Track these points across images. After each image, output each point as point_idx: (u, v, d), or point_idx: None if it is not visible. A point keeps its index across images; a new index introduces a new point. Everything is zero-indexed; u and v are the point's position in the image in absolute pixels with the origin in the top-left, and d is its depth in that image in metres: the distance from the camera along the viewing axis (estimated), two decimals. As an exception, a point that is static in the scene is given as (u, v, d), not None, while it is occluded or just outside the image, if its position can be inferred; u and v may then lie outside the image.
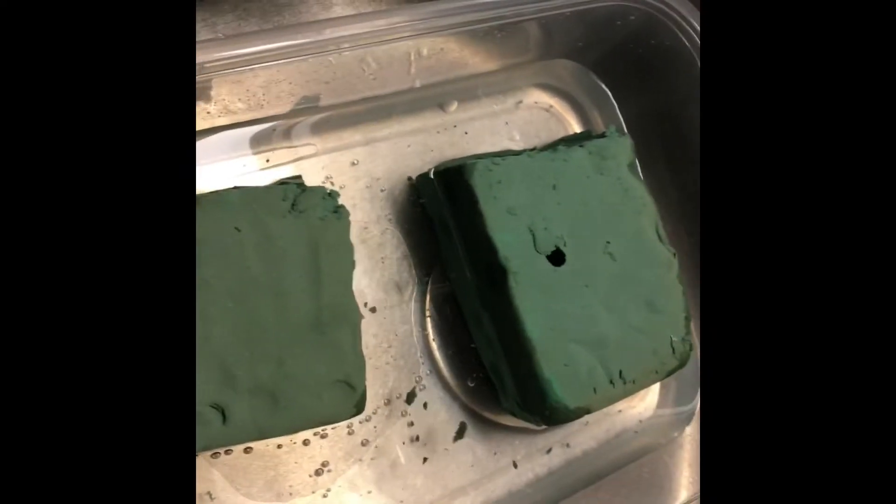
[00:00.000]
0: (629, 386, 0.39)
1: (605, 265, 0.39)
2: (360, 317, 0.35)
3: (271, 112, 0.40)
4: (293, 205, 0.34)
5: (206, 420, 0.31)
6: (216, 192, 0.33)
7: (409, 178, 0.42)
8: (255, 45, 0.34)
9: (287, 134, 0.40)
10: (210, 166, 0.39)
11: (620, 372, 0.39)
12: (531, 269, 0.37)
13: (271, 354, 0.32)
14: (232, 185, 0.36)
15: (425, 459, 0.39)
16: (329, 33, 0.36)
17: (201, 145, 0.39)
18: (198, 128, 0.38)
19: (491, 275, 0.38)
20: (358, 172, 0.41)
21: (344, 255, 0.34)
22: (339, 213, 0.35)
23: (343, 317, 0.34)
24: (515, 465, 0.41)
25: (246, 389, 0.32)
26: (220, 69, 0.34)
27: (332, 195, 0.35)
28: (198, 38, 0.39)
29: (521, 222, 0.38)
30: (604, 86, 0.46)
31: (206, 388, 0.31)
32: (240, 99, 0.38)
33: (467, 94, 0.45)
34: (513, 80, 0.45)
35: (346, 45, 0.37)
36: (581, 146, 0.40)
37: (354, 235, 0.37)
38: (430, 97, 0.44)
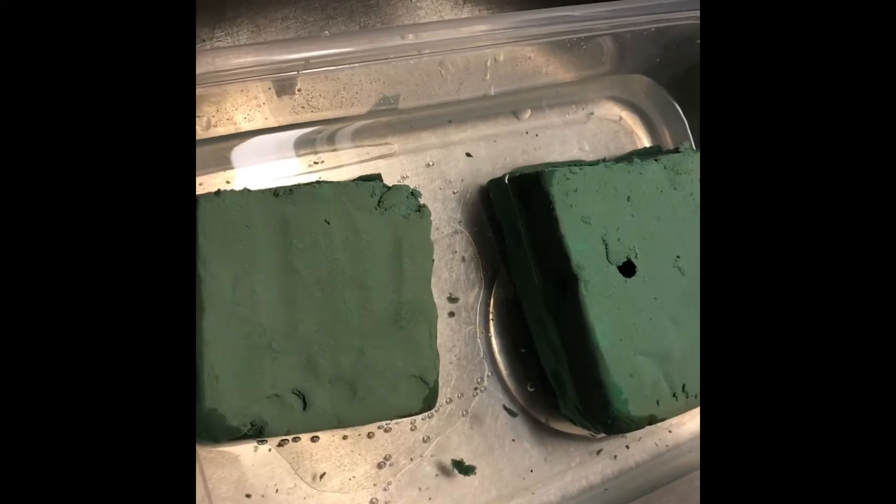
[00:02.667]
0: (691, 401, 0.39)
1: (675, 279, 0.39)
2: (437, 315, 0.35)
3: (352, 111, 0.40)
4: (379, 201, 0.35)
5: (287, 405, 0.32)
6: (310, 184, 0.34)
7: (482, 183, 0.43)
8: (341, 47, 0.35)
9: (366, 132, 0.41)
10: (289, 160, 0.40)
11: (684, 386, 0.39)
12: (602, 279, 0.38)
13: (353, 345, 0.33)
14: (315, 179, 0.37)
15: (482, 461, 0.40)
16: (412, 38, 0.36)
17: (283, 138, 0.40)
18: (281, 122, 0.39)
19: (561, 281, 0.38)
20: (432, 174, 0.42)
21: (425, 252, 0.35)
22: (422, 212, 0.35)
23: (421, 313, 0.35)
24: (569, 473, 0.42)
25: (327, 377, 0.32)
26: (306, 66, 0.35)
27: (415, 194, 0.36)
28: (286, 35, 0.40)
29: (595, 232, 0.38)
30: (676, 103, 0.47)
31: (290, 374, 0.32)
32: (322, 95, 0.39)
33: (540, 102, 0.45)
34: (586, 92, 0.46)
35: (427, 51, 0.38)
36: (656, 160, 0.40)
37: (427, 235, 0.38)
38: (504, 104, 0.45)
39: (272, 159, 0.39)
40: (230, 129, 0.38)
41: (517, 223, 0.40)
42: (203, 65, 0.32)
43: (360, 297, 0.33)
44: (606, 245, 0.38)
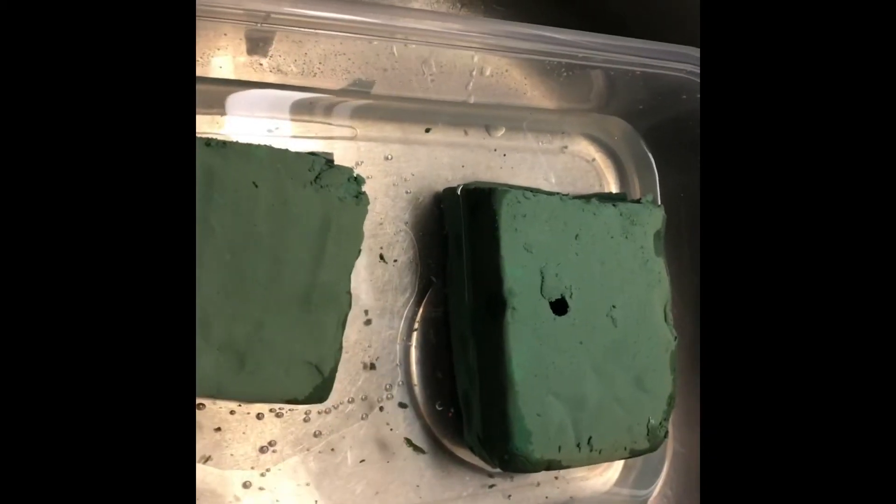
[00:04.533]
0: (594, 455, 0.38)
1: (605, 328, 0.38)
2: (350, 307, 0.34)
3: (321, 84, 0.39)
4: (317, 177, 0.33)
5: None
6: (247, 144, 0.32)
7: (437, 190, 0.42)
8: (325, 11, 0.34)
9: (330, 110, 0.40)
10: (244, 118, 0.38)
11: (590, 438, 0.38)
12: (531, 310, 0.37)
13: (252, 316, 0.31)
14: (262, 143, 0.36)
15: (371, 468, 0.38)
16: (401, 21, 0.35)
17: (243, 96, 0.38)
18: (245, 78, 0.38)
19: (490, 304, 0.37)
20: (389, 168, 0.41)
21: (353, 240, 0.34)
22: (360, 199, 0.34)
23: (334, 301, 0.33)
24: (458, 501, 0.40)
25: (217, 343, 0.31)
26: (284, 24, 0.33)
27: (358, 180, 0.34)
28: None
29: (535, 261, 0.37)
30: (651, 154, 0.46)
31: None
32: (294, 62, 0.38)
33: (516, 123, 0.44)
34: (564, 124, 0.45)
35: (415, 38, 0.36)
36: (614, 205, 0.39)
37: (367, 228, 0.36)
38: (480, 116, 0.43)
39: (225, 113, 0.37)
40: (199, 72, 0.36)
41: (462, 236, 0.39)
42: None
43: (273, 270, 0.32)
44: (543, 277, 0.37)
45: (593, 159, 0.46)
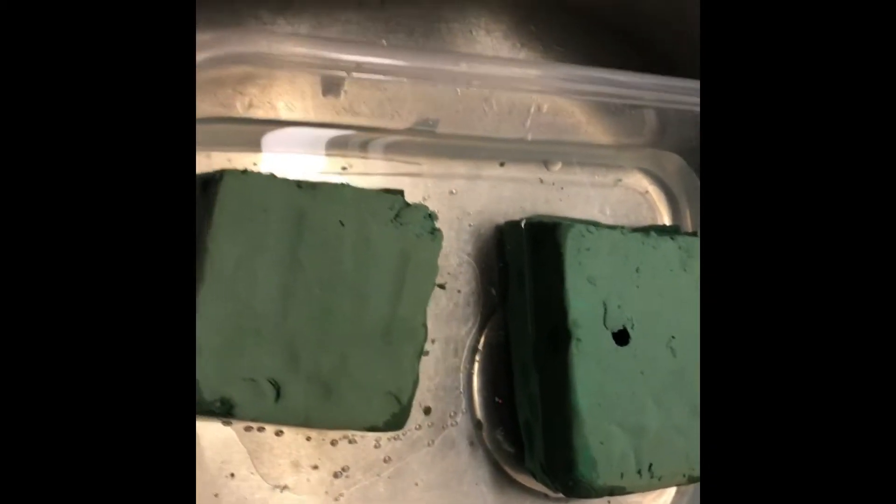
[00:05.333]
0: (653, 481, 0.39)
1: (665, 358, 0.39)
2: (426, 339, 0.35)
3: (390, 124, 0.41)
4: (396, 215, 0.35)
5: (261, 392, 0.32)
6: (333, 185, 0.34)
7: (498, 222, 0.43)
8: (396, 59, 0.35)
9: (399, 147, 0.42)
10: (319, 158, 0.40)
11: (650, 465, 0.39)
12: (595, 342, 0.38)
13: (337, 349, 0.33)
14: (339, 182, 0.37)
15: (437, 493, 0.40)
16: (464, 67, 0.37)
17: (318, 134, 0.40)
18: (319, 118, 0.40)
19: (554, 335, 0.38)
20: (453, 202, 0.43)
21: (429, 275, 0.35)
22: (435, 235, 0.36)
23: (411, 333, 0.35)
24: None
25: (305, 374, 0.32)
26: (357, 70, 0.35)
27: (432, 216, 0.36)
28: (345, 37, 0.41)
29: (598, 294, 0.38)
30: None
31: (271, 362, 0.32)
32: (365, 102, 0.40)
33: (572, 158, 0.46)
34: (618, 158, 0.47)
35: (477, 83, 0.38)
36: (672, 238, 0.41)
37: (433, 260, 0.38)
38: (537, 152, 0.45)
39: (303, 152, 0.39)
40: (269, 114, 0.38)
41: (524, 268, 0.41)
42: (258, 46, 0.32)
43: (356, 304, 0.34)
44: (606, 309, 0.38)
45: (646, 192, 0.47)
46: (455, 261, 0.42)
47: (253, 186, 0.33)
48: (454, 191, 0.43)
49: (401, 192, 0.37)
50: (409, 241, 0.35)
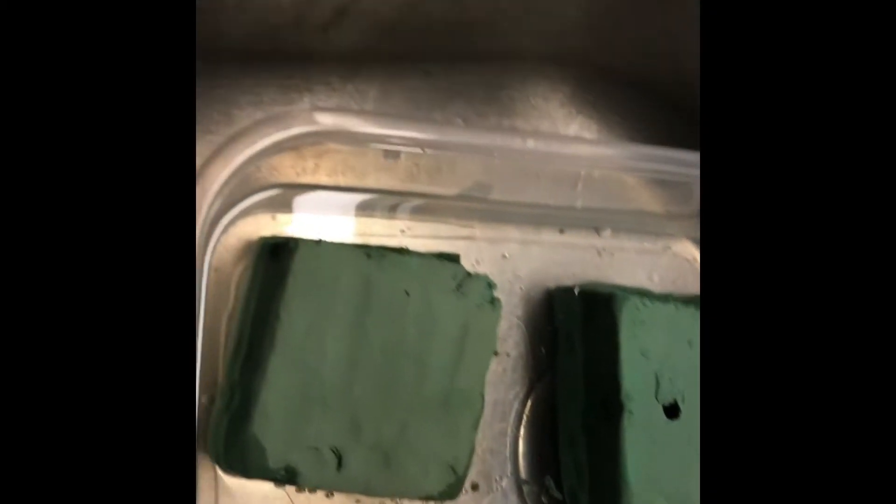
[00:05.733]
0: (699, 554, 0.39)
1: (714, 433, 0.40)
2: (483, 409, 0.36)
3: (445, 190, 0.42)
4: (459, 285, 0.36)
5: (323, 461, 0.32)
6: (399, 253, 0.35)
7: (549, 286, 0.44)
8: (454, 136, 0.36)
9: (453, 211, 0.42)
10: (376, 220, 0.41)
11: (696, 537, 0.39)
12: (646, 414, 0.38)
13: (399, 418, 0.34)
14: (397, 245, 0.38)
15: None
16: (531, 144, 0.37)
17: (375, 198, 0.41)
18: (378, 184, 0.41)
19: (606, 406, 0.39)
20: (505, 266, 0.43)
21: (488, 345, 0.36)
22: (494, 305, 0.36)
23: (469, 403, 0.35)
24: None
25: (367, 443, 0.33)
26: (418, 145, 0.35)
27: (492, 286, 0.37)
28: (410, 104, 0.42)
29: (651, 367, 0.39)
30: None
31: (334, 431, 0.33)
32: (424, 170, 0.41)
33: (622, 224, 0.46)
34: (668, 226, 0.47)
35: (531, 158, 0.38)
36: (724, 313, 0.41)
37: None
38: (588, 218, 0.45)
39: (363, 216, 0.40)
40: (331, 180, 0.39)
41: (574, 335, 0.41)
42: (322, 125, 0.32)
43: (418, 373, 0.34)
44: (658, 382, 0.39)
45: (694, 259, 0.48)
46: (505, 324, 0.42)
47: (325, 256, 0.33)
48: (506, 255, 0.43)
49: (457, 257, 0.38)
50: (470, 311, 0.36)
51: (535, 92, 0.44)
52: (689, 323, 0.40)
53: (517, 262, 0.44)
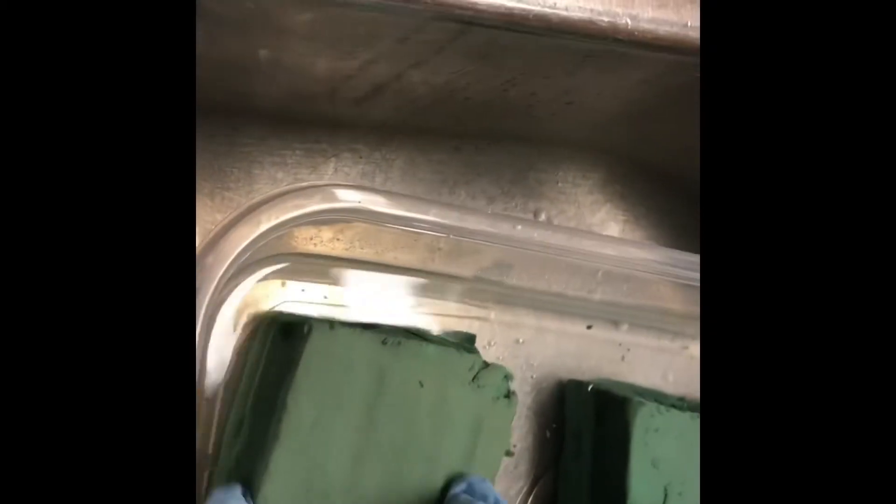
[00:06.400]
0: None
1: (722, 553, 0.38)
2: None
3: (463, 271, 0.40)
4: (475, 377, 0.34)
5: None
6: (417, 342, 0.34)
7: (562, 378, 0.42)
8: (476, 224, 0.34)
9: (470, 292, 0.41)
10: (392, 299, 0.39)
11: None
12: (652, 528, 0.36)
13: None
14: (411, 323, 0.37)
15: None
16: (540, 236, 0.36)
17: (393, 276, 0.40)
18: (395, 261, 0.39)
19: (610, 513, 0.37)
20: (518, 351, 0.42)
21: (501, 442, 0.35)
22: (511, 399, 0.35)
23: None
24: None
25: None
26: (437, 230, 0.34)
27: (508, 377, 0.35)
28: (435, 178, 0.41)
29: (661, 478, 0.37)
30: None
31: None
32: (445, 251, 0.39)
33: (640, 321, 0.45)
34: (686, 326, 0.46)
35: (551, 252, 0.37)
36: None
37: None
38: (606, 312, 0.44)
39: (375, 290, 0.39)
40: (347, 253, 0.38)
41: (584, 435, 0.39)
42: (363, 203, 0.32)
43: (428, 469, 0.33)
44: (667, 495, 0.37)
45: (712, 363, 0.46)
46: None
47: (339, 342, 0.32)
48: (521, 340, 0.42)
49: (473, 339, 0.37)
50: (485, 404, 0.34)
51: (564, 177, 0.43)
52: (705, 434, 0.38)
53: (531, 348, 0.42)
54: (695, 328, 0.46)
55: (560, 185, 0.43)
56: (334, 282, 0.38)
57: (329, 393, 0.31)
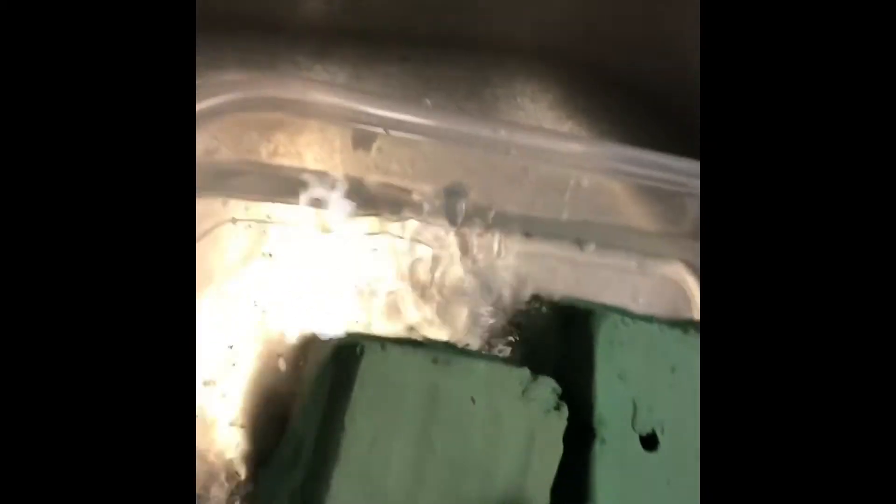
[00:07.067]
0: None
1: (695, 469, 0.36)
2: None
3: (421, 185, 0.39)
4: (524, 391, 0.34)
5: None
6: (468, 360, 0.33)
7: (524, 298, 0.40)
8: (433, 120, 0.33)
9: (426, 211, 0.39)
10: (344, 214, 0.38)
11: (670, 586, 0.35)
12: (620, 443, 0.35)
13: None
14: (369, 242, 0.35)
15: None
16: (503, 135, 0.35)
17: (343, 189, 0.38)
18: (348, 174, 0.38)
19: (576, 432, 0.35)
20: (478, 273, 0.40)
21: (553, 455, 0.34)
22: (560, 410, 0.34)
23: None
24: None
25: None
26: (393, 128, 0.33)
27: (556, 391, 0.34)
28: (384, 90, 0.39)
29: (628, 392, 0.35)
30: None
31: None
32: (397, 161, 0.37)
33: (608, 240, 0.43)
34: (658, 246, 0.44)
35: (516, 153, 0.36)
36: (713, 339, 0.38)
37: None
38: (572, 230, 0.42)
39: (329, 208, 0.37)
40: (294, 163, 0.36)
41: (549, 351, 0.38)
42: (292, 92, 0.30)
43: (485, 485, 0.32)
44: (636, 409, 0.35)
45: (685, 284, 0.45)
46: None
47: (391, 361, 0.32)
48: (480, 261, 0.40)
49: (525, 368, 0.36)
50: (536, 417, 0.34)
51: (522, 91, 0.41)
52: (674, 347, 0.37)
53: (493, 270, 0.40)
54: (665, 247, 0.44)
55: (518, 100, 0.41)
56: (280, 198, 0.36)
57: (385, 412, 0.31)
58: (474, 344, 0.39)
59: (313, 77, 0.37)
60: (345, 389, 0.31)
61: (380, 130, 0.31)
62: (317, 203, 0.36)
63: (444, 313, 0.39)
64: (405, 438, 0.32)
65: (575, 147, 0.36)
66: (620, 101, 0.43)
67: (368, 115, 0.32)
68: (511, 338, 0.40)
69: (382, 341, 0.32)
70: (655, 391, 0.36)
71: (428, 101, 0.39)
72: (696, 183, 0.38)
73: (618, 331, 0.36)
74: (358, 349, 0.32)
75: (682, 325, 0.39)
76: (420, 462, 0.32)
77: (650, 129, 0.43)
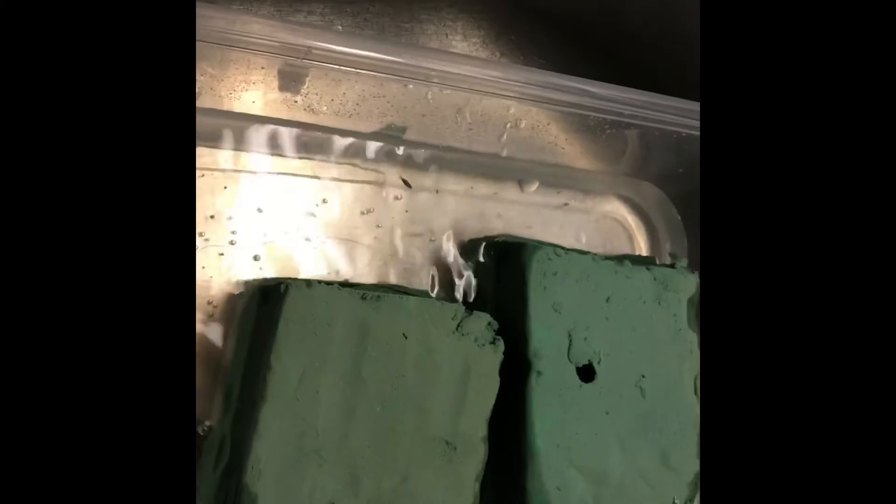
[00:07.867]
0: (615, 534, 0.36)
1: (633, 399, 0.36)
2: (486, 455, 0.33)
3: (354, 126, 0.38)
4: (458, 326, 0.33)
5: None
6: (398, 296, 0.33)
7: (463, 241, 0.40)
8: (362, 49, 0.33)
9: (361, 152, 0.39)
10: (272, 158, 0.37)
11: (612, 515, 0.35)
12: (557, 375, 0.35)
13: (399, 469, 0.31)
14: (303, 183, 0.34)
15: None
16: (438, 65, 0.34)
17: (272, 131, 0.37)
18: (276, 115, 0.37)
19: (512, 366, 0.35)
20: (416, 216, 0.40)
21: (490, 387, 0.34)
22: (496, 344, 0.34)
23: (472, 450, 0.33)
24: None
25: (366, 498, 0.31)
26: (320, 61, 0.33)
27: (492, 325, 0.34)
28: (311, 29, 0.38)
29: (563, 323, 0.35)
30: (682, 221, 0.45)
31: (331, 486, 0.30)
32: (326, 102, 0.37)
33: (549, 180, 0.43)
34: (598, 184, 0.44)
35: (451, 84, 0.35)
36: (647, 269, 0.38)
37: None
38: (512, 170, 0.42)
39: (261, 151, 0.36)
40: (220, 106, 0.35)
41: (487, 291, 0.38)
42: (211, 23, 0.30)
43: (418, 419, 0.32)
44: (571, 341, 0.35)
45: (625, 220, 0.45)
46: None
47: (318, 300, 0.31)
48: (420, 202, 0.40)
49: (460, 303, 0.37)
50: (471, 351, 0.33)
51: (453, 27, 0.41)
52: (608, 278, 0.37)
53: (429, 212, 0.40)
54: (605, 185, 0.44)
55: (449, 37, 0.41)
56: (211, 142, 0.35)
57: (312, 350, 0.31)
58: (415, 287, 0.39)
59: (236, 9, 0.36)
60: (270, 328, 0.31)
61: (303, 63, 0.31)
62: (242, 146, 0.36)
63: (381, 258, 0.39)
64: (335, 376, 0.31)
65: (511, 75, 0.35)
66: (553, 38, 0.42)
67: (293, 45, 0.31)
68: (455, 279, 0.40)
69: (308, 280, 0.32)
70: (590, 322, 0.36)
71: (339, 27, 0.38)
72: (632, 112, 0.38)
73: (551, 263, 0.35)
74: (282, 287, 0.31)
75: (616, 257, 0.39)
76: (351, 399, 0.31)
77: (582, 64, 0.43)
